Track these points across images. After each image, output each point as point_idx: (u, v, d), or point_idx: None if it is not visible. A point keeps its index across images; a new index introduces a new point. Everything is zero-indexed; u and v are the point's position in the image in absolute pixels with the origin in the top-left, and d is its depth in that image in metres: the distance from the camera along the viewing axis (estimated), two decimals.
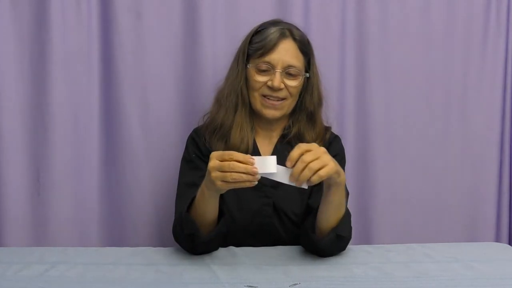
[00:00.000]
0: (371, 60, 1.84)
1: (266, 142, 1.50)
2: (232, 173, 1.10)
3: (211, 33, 1.76)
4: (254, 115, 1.48)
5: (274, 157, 1.12)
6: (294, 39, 1.42)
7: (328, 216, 1.27)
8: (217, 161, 1.12)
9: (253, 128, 1.49)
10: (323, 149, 1.15)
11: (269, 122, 1.48)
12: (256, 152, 1.47)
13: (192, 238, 1.28)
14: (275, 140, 1.50)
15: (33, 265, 1.25)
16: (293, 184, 1.13)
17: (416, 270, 1.22)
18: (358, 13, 1.82)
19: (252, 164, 1.10)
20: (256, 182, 1.12)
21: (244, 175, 1.10)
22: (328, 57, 1.80)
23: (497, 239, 1.92)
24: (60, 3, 1.71)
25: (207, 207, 1.25)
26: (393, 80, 1.86)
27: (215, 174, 1.12)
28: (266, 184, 1.42)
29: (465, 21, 1.86)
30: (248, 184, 1.12)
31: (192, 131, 1.52)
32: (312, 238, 1.29)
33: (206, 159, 1.42)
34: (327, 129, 1.53)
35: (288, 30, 1.43)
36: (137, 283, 1.16)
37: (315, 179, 1.11)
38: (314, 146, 1.15)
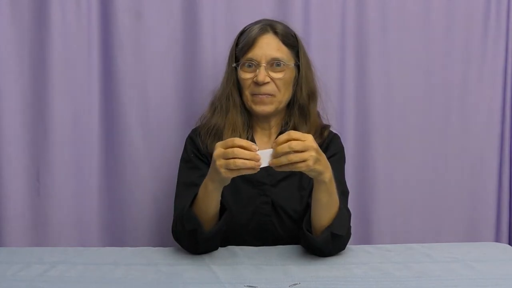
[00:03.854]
0: (371, 60, 1.84)
1: (264, 140, 1.50)
2: (236, 160, 1.12)
3: (211, 34, 1.76)
4: (251, 114, 1.49)
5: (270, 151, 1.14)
6: (275, 32, 1.43)
7: (319, 214, 1.27)
8: (222, 149, 1.14)
9: (250, 127, 1.49)
10: (315, 145, 1.15)
11: (266, 120, 1.49)
12: None
13: (194, 235, 1.28)
14: (273, 137, 1.50)
15: (33, 265, 1.25)
16: (268, 165, 1.14)
17: (416, 270, 1.22)
18: (358, 13, 1.82)
19: (255, 149, 1.12)
20: (259, 169, 1.13)
21: (247, 162, 1.12)
22: (328, 57, 1.80)
23: (497, 239, 1.92)
24: (60, 3, 1.71)
25: (210, 201, 1.26)
26: (393, 80, 1.86)
27: (219, 162, 1.14)
28: (265, 182, 1.42)
29: (465, 21, 1.86)
30: (251, 171, 1.13)
31: (191, 132, 1.53)
32: (307, 236, 1.29)
33: (204, 159, 1.44)
34: (325, 127, 1.52)
35: (269, 26, 1.44)
36: (137, 283, 1.16)
37: (285, 169, 1.13)
38: (308, 138, 1.15)
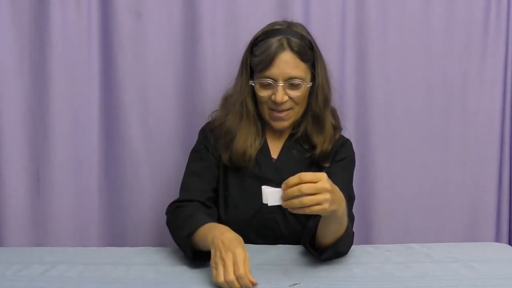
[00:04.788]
0: (371, 60, 1.83)
1: (276, 139, 1.52)
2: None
3: (211, 33, 1.76)
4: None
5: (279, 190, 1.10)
6: (292, 50, 1.40)
7: (326, 235, 1.24)
8: (221, 267, 1.11)
9: (265, 129, 1.50)
10: (327, 185, 1.07)
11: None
12: (265, 149, 1.49)
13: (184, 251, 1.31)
14: (284, 137, 1.51)
15: (33, 265, 1.25)
16: (278, 203, 1.10)
17: (416, 270, 1.22)
18: (358, 13, 1.82)
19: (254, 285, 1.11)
20: None
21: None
22: (328, 57, 1.78)
23: (497, 239, 1.92)
24: (60, 3, 1.71)
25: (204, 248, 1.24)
26: (393, 80, 1.85)
27: (213, 264, 1.13)
28: (273, 179, 1.41)
29: (465, 21, 1.86)
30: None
31: (205, 124, 1.55)
32: (311, 252, 1.29)
33: (213, 151, 1.47)
34: (337, 129, 1.52)
35: (286, 40, 1.40)
36: (137, 283, 1.16)
37: (299, 212, 1.08)
38: (320, 178, 1.08)
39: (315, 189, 1.06)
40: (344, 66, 1.83)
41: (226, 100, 1.52)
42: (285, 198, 1.08)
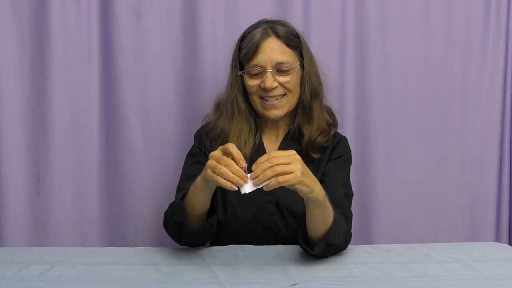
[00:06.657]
0: (371, 60, 1.84)
1: (272, 140, 1.51)
2: (222, 167, 1.11)
3: (211, 33, 1.76)
4: (259, 116, 1.49)
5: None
6: (277, 35, 1.42)
7: (314, 227, 1.25)
8: (219, 152, 1.14)
9: (258, 130, 1.50)
10: (298, 157, 1.13)
11: (274, 121, 1.49)
12: (262, 150, 1.48)
13: (179, 227, 1.30)
14: (281, 137, 1.51)
15: (33, 265, 1.25)
16: (253, 188, 1.12)
17: (416, 270, 1.22)
18: (358, 13, 1.82)
19: (242, 166, 1.12)
20: (236, 188, 1.12)
21: (230, 174, 1.10)
22: (328, 57, 1.80)
23: (497, 239, 1.92)
24: (60, 3, 1.71)
25: (196, 199, 1.26)
26: (393, 80, 1.85)
27: (211, 161, 1.14)
28: None
29: (465, 21, 1.86)
30: (229, 186, 1.11)
31: (200, 128, 1.55)
32: (304, 248, 1.28)
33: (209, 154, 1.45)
34: (332, 125, 1.51)
35: (271, 28, 1.43)
36: (137, 283, 1.16)
37: (273, 184, 1.10)
38: (290, 152, 1.13)
39: (285, 157, 1.11)
40: (344, 66, 1.83)
41: (219, 105, 1.52)
42: (256, 175, 1.11)
